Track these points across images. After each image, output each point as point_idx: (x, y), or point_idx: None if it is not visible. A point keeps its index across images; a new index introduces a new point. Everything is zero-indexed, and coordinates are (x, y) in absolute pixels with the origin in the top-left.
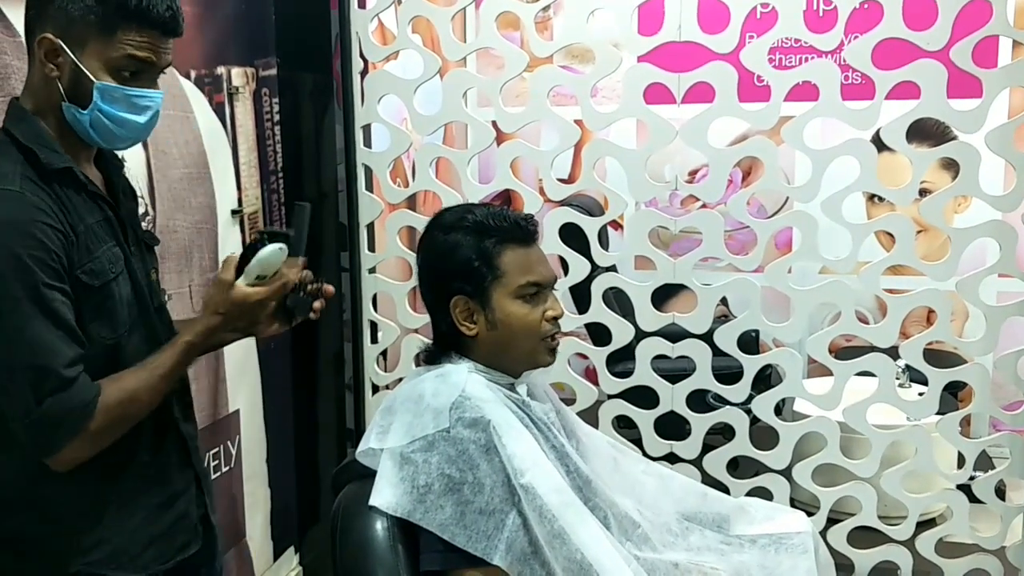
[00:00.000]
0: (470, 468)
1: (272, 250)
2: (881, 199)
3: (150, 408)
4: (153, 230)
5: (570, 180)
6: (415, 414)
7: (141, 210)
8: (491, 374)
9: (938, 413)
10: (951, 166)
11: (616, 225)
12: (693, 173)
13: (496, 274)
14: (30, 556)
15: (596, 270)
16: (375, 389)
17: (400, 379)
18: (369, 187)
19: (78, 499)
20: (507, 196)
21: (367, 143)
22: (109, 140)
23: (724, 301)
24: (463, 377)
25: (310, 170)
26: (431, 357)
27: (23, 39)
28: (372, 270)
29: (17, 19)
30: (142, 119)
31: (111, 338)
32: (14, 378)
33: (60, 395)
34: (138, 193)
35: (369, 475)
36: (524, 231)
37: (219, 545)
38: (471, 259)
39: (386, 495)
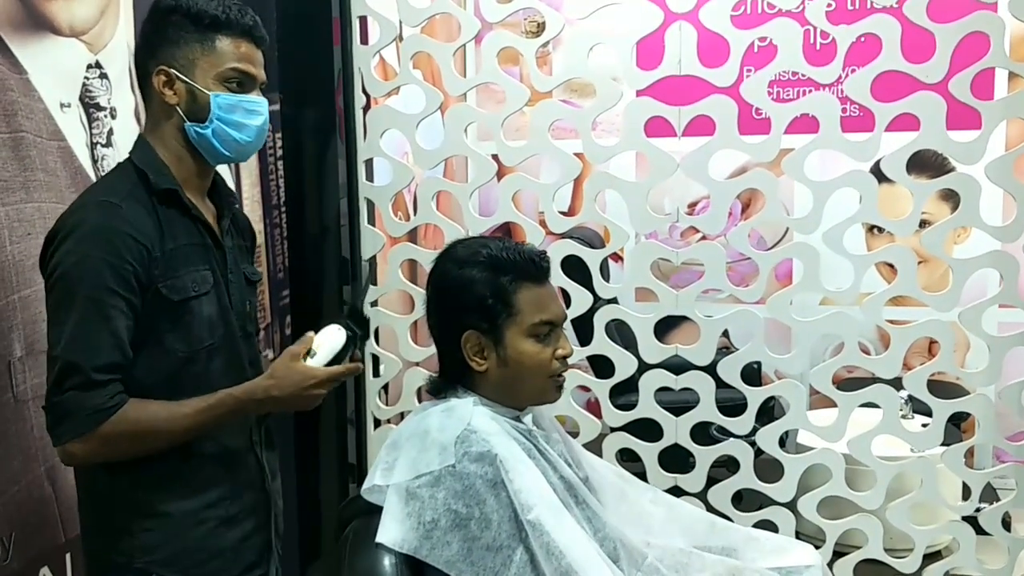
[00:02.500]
0: (477, 503)
1: (344, 343)
2: (881, 230)
3: (168, 442)
4: None
5: (571, 213)
6: (420, 449)
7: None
8: (496, 407)
9: (942, 444)
10: (951, 197)
11: (617, 257)
12: (693, 205)
13: (511, 312)
14: (107, 546)
15: (598, 302)
16: (377, 423)
17: (402, 413)
18: (371, 221)
19: (149, 498)
20: (507, 229)
21: (369, 177)
22: (232, 148)
23: (726, 333)
24: (469, 411)
25: (313, 204)
26: (436, 389)
27: (28, 76)
28: (374, 303)
29: (24, 57)
30: (257, 122)
31: (184, 352)
32: (53, 364)
33: (79, 392)
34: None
35: (375, 510)
36: (538, 268)
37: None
38: (486, 296)
39: (392, 531)
